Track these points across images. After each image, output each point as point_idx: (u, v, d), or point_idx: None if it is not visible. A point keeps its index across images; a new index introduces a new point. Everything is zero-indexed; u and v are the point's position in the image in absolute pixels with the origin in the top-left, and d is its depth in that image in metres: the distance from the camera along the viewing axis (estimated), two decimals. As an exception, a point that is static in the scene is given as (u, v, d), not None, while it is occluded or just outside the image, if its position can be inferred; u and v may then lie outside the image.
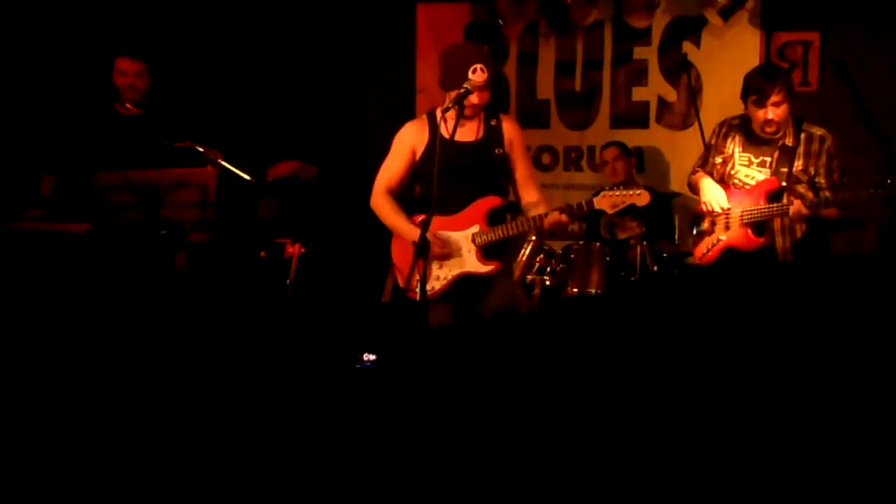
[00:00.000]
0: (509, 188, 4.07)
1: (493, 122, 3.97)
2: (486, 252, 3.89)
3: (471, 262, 3.90)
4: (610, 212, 3.81)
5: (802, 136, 4.34)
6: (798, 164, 4.34)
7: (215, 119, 5.80)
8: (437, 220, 3.85)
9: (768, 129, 4.36)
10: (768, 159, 4.39)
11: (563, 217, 3.80)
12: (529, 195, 4.02)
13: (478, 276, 3.89)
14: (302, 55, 6.63)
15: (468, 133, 3.93)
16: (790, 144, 4.36)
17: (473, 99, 3.82)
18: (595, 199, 3.81)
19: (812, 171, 4.33)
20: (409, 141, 4.01)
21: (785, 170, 4.33)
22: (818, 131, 4.36)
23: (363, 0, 6.54)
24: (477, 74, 3.78)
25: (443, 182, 3.81)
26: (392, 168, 4.07)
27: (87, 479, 4.08)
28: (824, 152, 4.33)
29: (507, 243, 3.95)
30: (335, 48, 6.61)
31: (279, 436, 4.79)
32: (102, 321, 4.61)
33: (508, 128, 3.98)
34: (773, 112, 4.29)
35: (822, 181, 4.30)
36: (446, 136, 3.85)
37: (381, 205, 4.07)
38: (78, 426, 4.55)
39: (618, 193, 3.80)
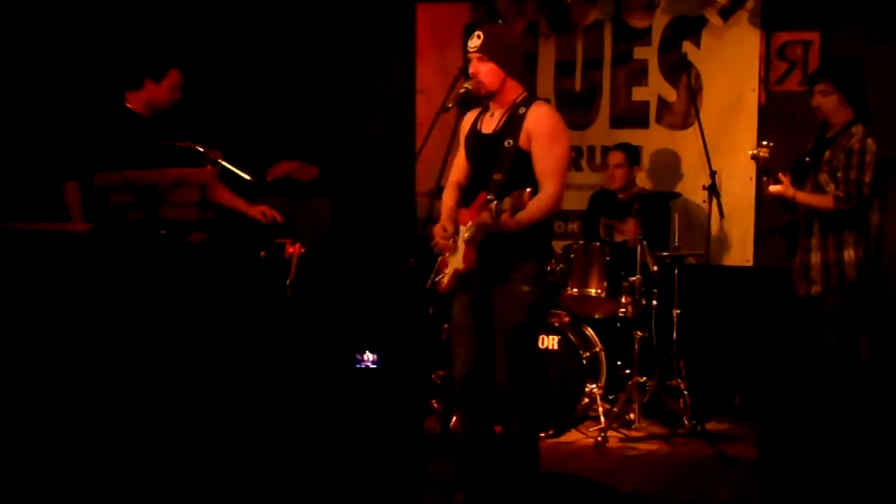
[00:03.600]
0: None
1: (520, 111, 3.73)
2: (473, 250, 3.70)
3: (458, 259, 3.77)
4: (511, 215, 3.50)
5: (845, 132, 4.44)
6: (827, 154, 4.44)
7: (216, 119, 5.81)
8: (462, 213, 3.86)
9: (817, 116, 4.55)
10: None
11: (486, 217, 3.56)
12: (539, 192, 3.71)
13: (463, 273, 3.75)
14: (302, 55, 6.62)
15: (492, 124, 3.80)
16: (828, 136, 4.52)
17: (471, 68, 3.72)
18: (506, 200, 3.48)
19: (835, 163, 4.41)
20: (462, 133, 3.95)
21: (808, 160, 4.52)
22: (857, 129, 4.45)
23: (363, 0, 6.53)
24: (472, 40, 3.72)
25: (469, 173, 3.89)
26: (456, 161, 4.00)
27: (87, 479, 4.08)
28: (850, 147, 4.40)
29: (516, 246, 3.71)
30: (335, 48, 6.60)
31: (279, 435, 4.79)
32: (103, 321, 4.61)
33: (532, 118, 3.70)
34: (818, 100, 4.51)
35: (840, 174, 4.38)
36: (479, 127, 3.84)
37: (444, 197, 3.99)
38: (78, 426, 4.55)
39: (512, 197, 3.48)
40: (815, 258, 4.46)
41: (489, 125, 3.81)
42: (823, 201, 4.40)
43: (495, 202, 3.52)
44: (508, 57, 3.76)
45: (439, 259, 3.93)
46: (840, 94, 4.48)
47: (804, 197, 4.43)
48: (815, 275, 4.46)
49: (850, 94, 4.50)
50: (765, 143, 4.55)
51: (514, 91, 3.79)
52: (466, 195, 3.89)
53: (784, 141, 5.27)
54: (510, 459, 3.82)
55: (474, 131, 3.87)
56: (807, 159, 4.57)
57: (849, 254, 4.40)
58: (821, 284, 4.44)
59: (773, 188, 4.46)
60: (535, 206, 3.62)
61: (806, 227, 4.50)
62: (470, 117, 3.94)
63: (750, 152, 4.54)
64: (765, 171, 4.50)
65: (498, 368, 3.77)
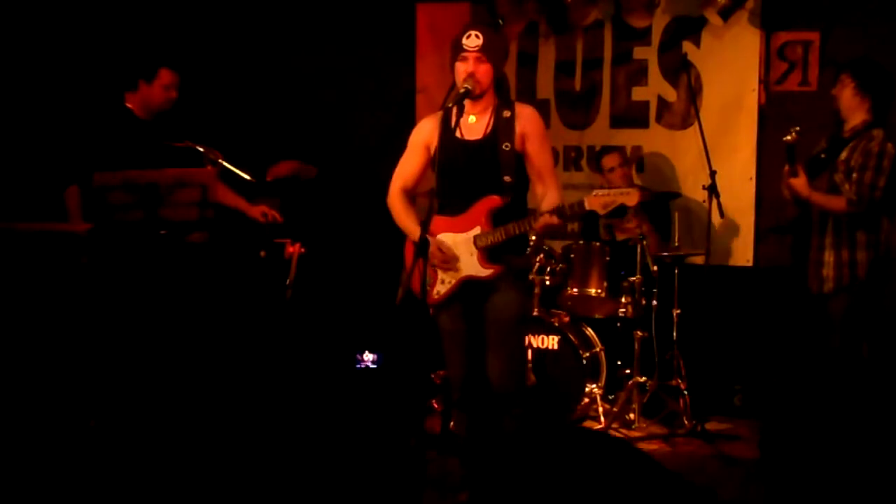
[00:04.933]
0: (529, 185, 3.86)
1: (505, 115, 3.74)
2: (488, 255, 3.73)
3: (472, 266, 3.75)
4: (601, 212, 3.66)
5: (863, 134, 4.50)
6: (844, 154, 4.49)
7: (216, 119, 5.81)
8: (442, 221, 3.81)
9: (834, 106, 4.63)
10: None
11: (554, 219, 3.63)
12: (542, 190, 3.79)
13: (479, 280, 3.76)
14: (302, 55, 6.63)
15: (477, 129, 3.78)
16: (845, 136, 4.56)
17: (469, 67, 3.67)
18: (586, 200, 3.64)
19: (853, 163, 4.46)
20: (423, 138, 3.87)
21: (824, 157, 4.57)
22: (877, 133, 4.48)
23: (363, 0, 6.53)
24: (471, 39, 3.68)
25: (450, 181, 3.76)
26: (406, 166, 3.95)
27: (86, 479, 4.08)
28: (868, 149, 4.44)
29: (514, 245, 3.76)
30: (335, 48, 6.60)
31: (279, 435, 4.79)
32: (102, 321, 4.61)
33: (523, 119, 3.74)
34: (837, 88, 4.60)
35: (855, 175, 4.43)
36: (458, 134, 3.78)
37: (393, 204, 3.96)
38: (78, 426, 4.55)
39: (608, 193, 3.65)
40: (829, 257, 4.52)
41: (474, 131, 3.78)
42: (836, 203, 4.46)
43: (557, 205, 3.64)
44: (501, 61, 3.81)
45: (427, 270, 3.83)
46: (856, 88, 4.52)
47: (818, 198, 4.50)
48: (827, 273, 4.51)
49: (870, 94, 4.53)
50: (797, 128, 4.56)
51: (491, 94, 3.79)
52: (445, 199, 3.80)
53: (784, 140, 5.26)
54: (505, 456, 3.83)
55: (452, 138, 3.76)
56: (822, 156, 4.60)
57: (861, 254, 4.47)
58: (833, 282, 4.50)
59: (793, 181, 4.52)
60: (558, 201, 3.73)
61: (820, 225, 4.55)
62: (427, 124, 3.86)
63: (785, 139, 4.54)
64: (790, 158, 4.52)
65: (494, 368, 3.77)
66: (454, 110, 3.65)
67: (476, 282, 3.77)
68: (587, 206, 3.64)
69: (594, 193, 3.66)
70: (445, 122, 3.70)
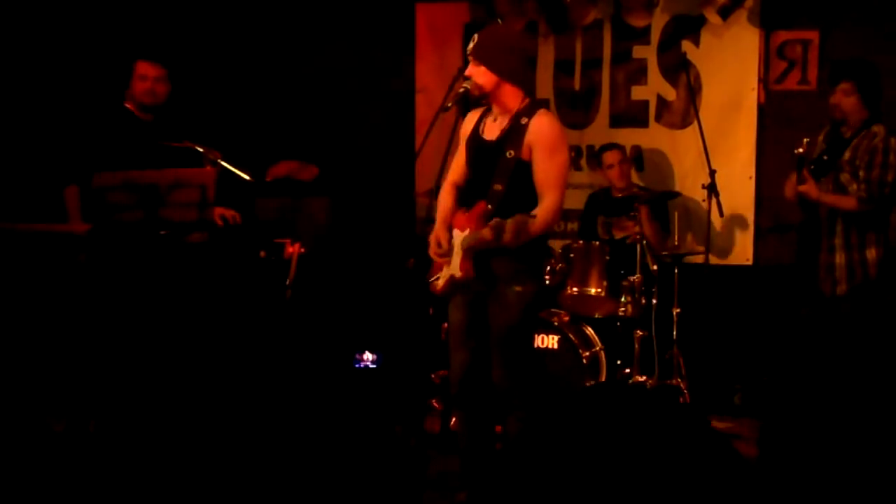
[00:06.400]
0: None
1: (522, 122, 3.69)
2: (470, 257, 3.70)
3: (454, 265, 3.78)
4: (513, 238, 3.52)
5: (863, 132, 4.51)
6: (847, 154, 4.52)
7: (216, 119, 5.81)
8: (458, 217, 3.85)
9: (835, 115, 4.62)
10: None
11: (487, 233, 3.56)
12: (538, 204, 3.68)
13: (457, 280, 3.75)
14: (301, 55, 6.63)
15: (494, 131, 3.78)
16: (846, 136, 4.58)
17: (468, 70, 3.74)
18: (508, 222, 3.48)
19: (858, 162, 4.48)
20: (463, 132, 3.92)
21: (826, 158, 4.60)
22: (878, 129, 4.50)
23: (363, 0, 6.53)
24: (470, 43, 3.74)
25: (469, 178, 3.86)
26: (455, 161, 3.98)
27: (87, 479, 4.08)
28: (873, 146, 4.46)
29: (510, 250, 3.67)
30: (335, 48, 6.61)
31: (279, 435, 4.79)
32: (103, 322, 4.62)
33: (534, 128, 3.66)
34: (838, 97, 4.58)
35: (862, 174, 4.45)
36: (481, 131, 3.83)
37: (440, 198, 3.98)
38: (77, 426, 4.55)
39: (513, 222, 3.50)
40: (840, 258, 4.54)
41: (492, 131, 3.79)
42: (847, 202, 4.49)
43: (496, 219, 3.52)
44: (501, 60, 3.71)
45: (438, 262, 3.93)
46: (860, 96, 4.55)
47: (829, 197, 4.54)
48: (839, 275, 4.54)
49: (869, 97, 4.55)
50: (807, 139, 4.60)
51: (515, 97, 3.75)
52: (464, 196, 3.89)
53: (783, 140, 5.27)
54: (506, 458, 3.83)
55: (476, 135, 3.84)
56: (824, 157, 4.61)
57: (870, 252, 4.50)
58: (846, 283, 4.54)
59: (802, 187, 4.54)
60: (541, 219, 3.63)
61: (828, 226, 4.56)
62: (471, 118, 3.91)
63: (796, 150, 4.56)
64: (799, 167, 4.55)
65: (494, 368, 3.77)
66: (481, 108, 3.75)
67: (468, 282, 3.76)
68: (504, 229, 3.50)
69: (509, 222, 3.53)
70: (480, 118, 3.83)
